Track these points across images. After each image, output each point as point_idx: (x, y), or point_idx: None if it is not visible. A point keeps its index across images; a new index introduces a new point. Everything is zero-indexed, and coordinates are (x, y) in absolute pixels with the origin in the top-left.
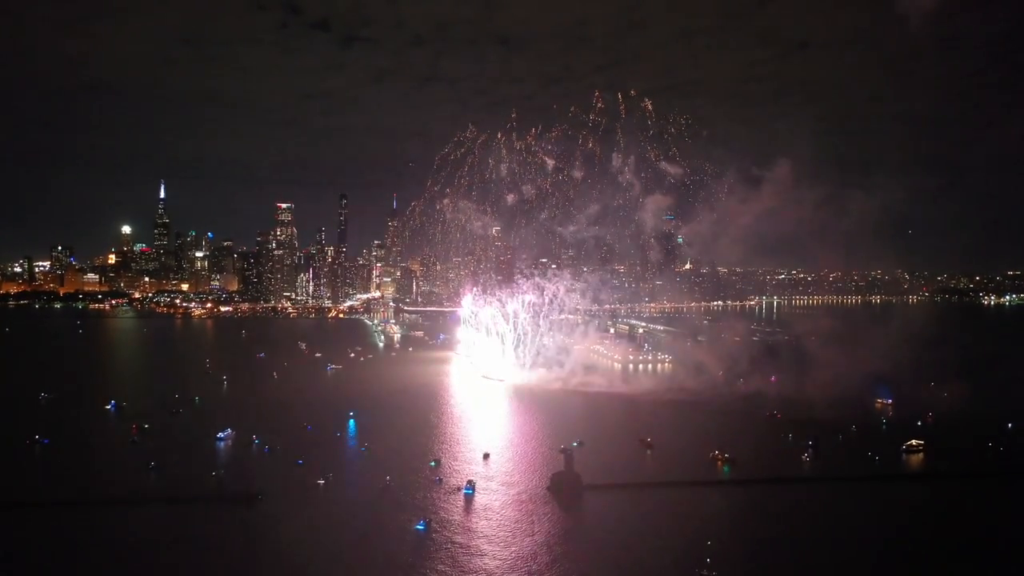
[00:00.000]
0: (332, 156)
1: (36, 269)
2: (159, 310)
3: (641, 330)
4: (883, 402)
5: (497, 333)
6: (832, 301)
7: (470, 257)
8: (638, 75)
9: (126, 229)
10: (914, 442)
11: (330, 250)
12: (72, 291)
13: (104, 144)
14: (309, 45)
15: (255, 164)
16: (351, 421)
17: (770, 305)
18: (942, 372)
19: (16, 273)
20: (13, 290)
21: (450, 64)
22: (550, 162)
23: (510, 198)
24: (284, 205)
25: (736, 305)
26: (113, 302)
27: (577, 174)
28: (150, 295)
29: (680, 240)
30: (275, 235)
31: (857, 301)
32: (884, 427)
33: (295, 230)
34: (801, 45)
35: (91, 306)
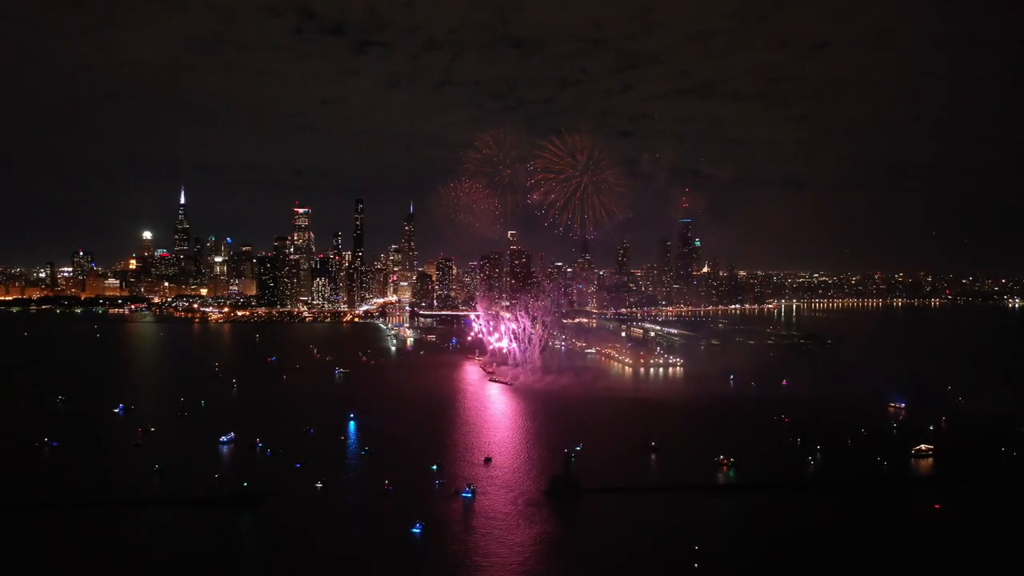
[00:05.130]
0: (349, 160)
1: (58, 275)
2: (177, 315)
3: (653, 334)
4: (896, 406)
5: (510, 337)
6: (853, 304)
7: (486, 261)
8: (654, 77)
9: (147, 235)
10: (923, 447)
11: (347, 255)
12: (93, 296)
13: (125, 150)
14: (324, 50)
15: (273, 169)
16: (351, 424)
17: (789, 309)
18: (960, 376)
19: (39, 279)
20: (35, 295)
21: (465, 68)
22: (581, 158)
23: (532, 197)
24: (301, 210)
25: (754, 309)
26: (133, 307)
27: (607, 177)
28: (169, 300)
29: (698, 243)
30: (292, 240)
31: (879, 304)
32: (895, 431)
33: (312, 235)
34: (820, 45)
35: (111, 311)
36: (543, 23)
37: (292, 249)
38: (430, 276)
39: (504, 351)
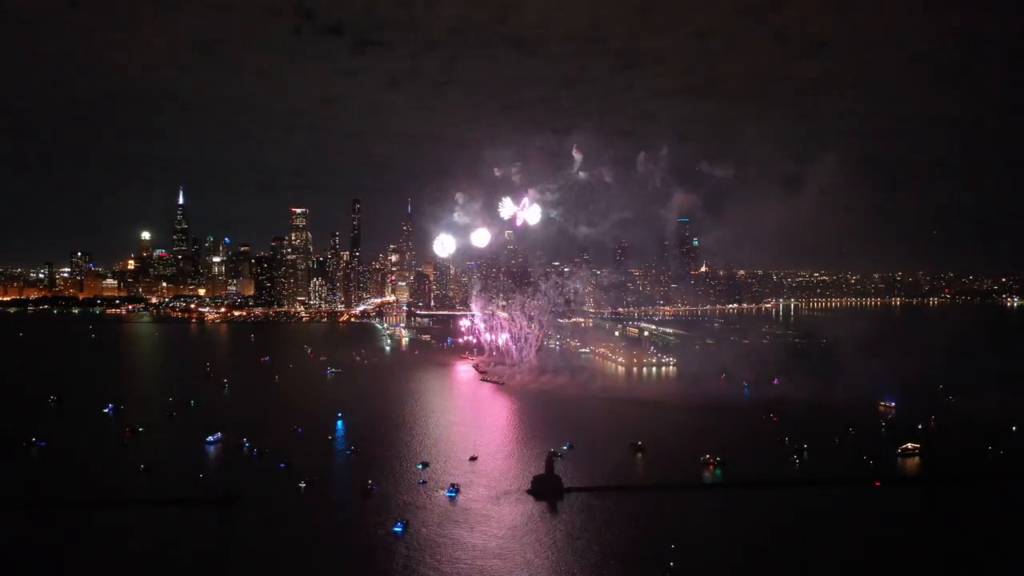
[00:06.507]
0: (348, 160)
1: (57, 275)
2: (174, 315)
3: (648, 333)
4: (886, 405)
5: (503, 336)
6: (851, 304)
7: (483, 261)
8: (654, 76)
9: (145, 235)
10: (910, 445)
11: (345, 255)
12: (91, 296)
13: (123, 151)
14: (323, 50)
15: (272, 169)
16: (339, 423)
17: (787, 308)
18: (953, 376)
19: (38, 279)
20: (34, 295)
21: (465, 68)
22: (578, 156)
23: (528, 195)
24: (299, 210)
25: (752, 308)
26: (130, 307)
27: (605, 176)
28: (167, 300)
29: (696, 243)
30: (290, 240)
31: (877, 304)
32: (884, 430)
33: (310, 235)
34: (820, 44)
35: (109, 311)
36: (542, 22)
37: (289, 249)
38: (427, 276)
39: (497, 352)
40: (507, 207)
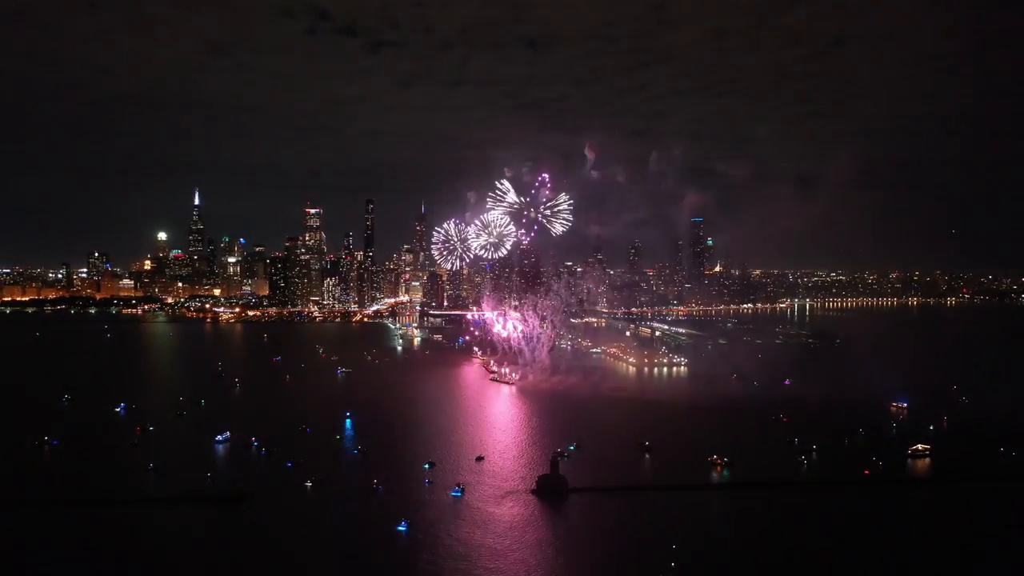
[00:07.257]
0: (362, 161)
1: (74, 275)
2: (189, 315)
3: (658, 333)
4: (898, 406)
5: (515, 336)
6: (868, 303)
7: (495, 261)
8: (669, 75)
9: (162, 235)
10: (920, 447)
11: (358, 255)
12: (108, 296)
13: (140, 152)
14: (337, 51)
15: (287, 169)
16: (347, 423)
17: (802, 308)
18: (966, 376)
19: (55, 279)
20: (51, 296)
21: (478, 67)
22: (591, 155)
23: (544, 196)
24: (312, 210)
25: (767, 308)
26: (146, 307)
27: (618, 176)
28: (183, 300)
29: (710, 242)
30: (304, 240)
31: (894, 303)
32: (895, 431)
33: (323, 235)
34: (835, 42)
35: (124, 311)
36: (556, 22)
37: (303, 249)
38: (441, 276)
39: (508, 352)
40: (510, 195)
